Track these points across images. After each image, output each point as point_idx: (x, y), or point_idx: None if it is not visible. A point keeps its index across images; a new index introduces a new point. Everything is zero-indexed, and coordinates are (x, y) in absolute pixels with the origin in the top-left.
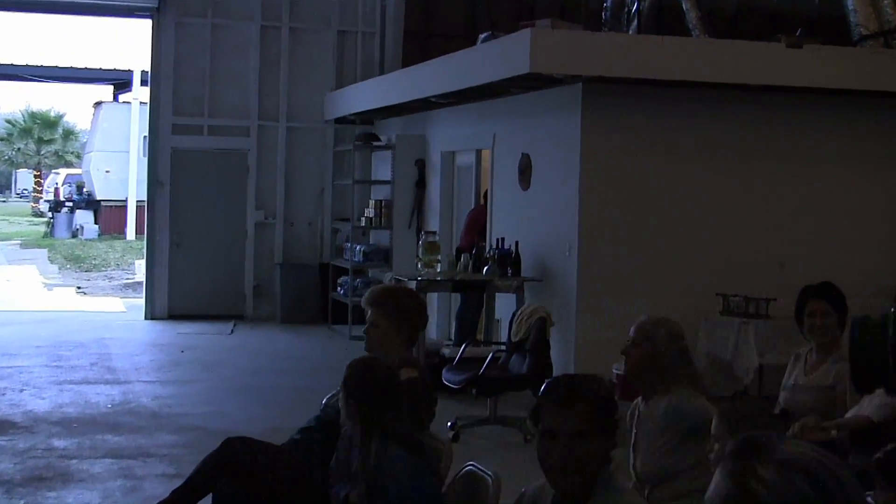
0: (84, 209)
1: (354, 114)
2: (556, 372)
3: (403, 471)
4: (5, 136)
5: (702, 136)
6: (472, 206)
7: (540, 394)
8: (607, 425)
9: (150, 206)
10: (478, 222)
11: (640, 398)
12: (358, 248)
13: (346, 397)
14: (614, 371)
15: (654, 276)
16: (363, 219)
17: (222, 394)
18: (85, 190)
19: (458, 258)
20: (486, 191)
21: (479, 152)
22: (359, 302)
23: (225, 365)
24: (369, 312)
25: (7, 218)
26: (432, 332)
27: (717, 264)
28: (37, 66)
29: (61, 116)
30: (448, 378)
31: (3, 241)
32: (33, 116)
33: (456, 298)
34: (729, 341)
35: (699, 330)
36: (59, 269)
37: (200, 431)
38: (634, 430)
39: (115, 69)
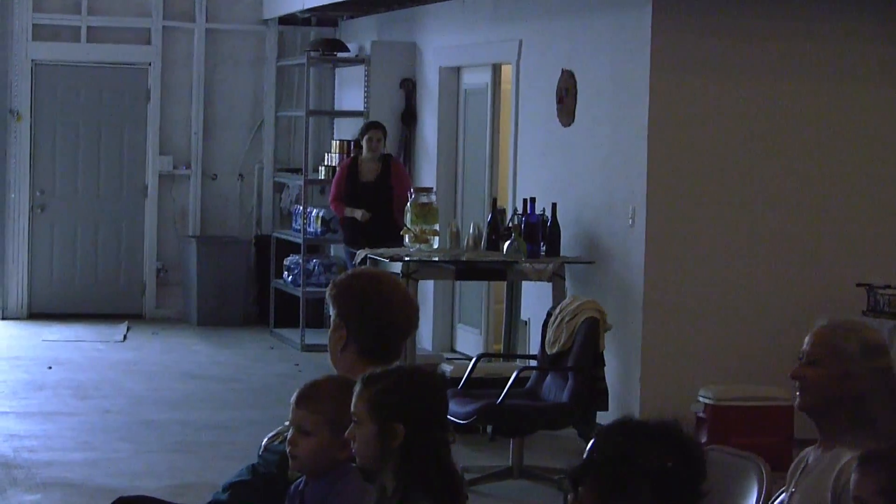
0: None
1: (308, 10)
2: (614, 400)
3: None
4: None
5: (842, 45)
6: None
7: (586, 453)
8: None
9: (1, 150)
10: (343, 184)
11: (812, 447)
12: (314, 213)
13: (385, 420)
14: (700, 399)
15: (762, 257)
16: (322, 169)
17: (107, 433)
18: None
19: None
20: (366, 132)
21: (496, 68)
22: (315, 294)
23: (112, 389)
24: (335, 313)
25: None
26: (425, 339)
27: (860, 239)
28: None
29: None
30: (451, 409)
31: None
32: None
33: (466, 287)
34: None
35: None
36: None
37: (74, 489)
38: (793, 489)
39: None
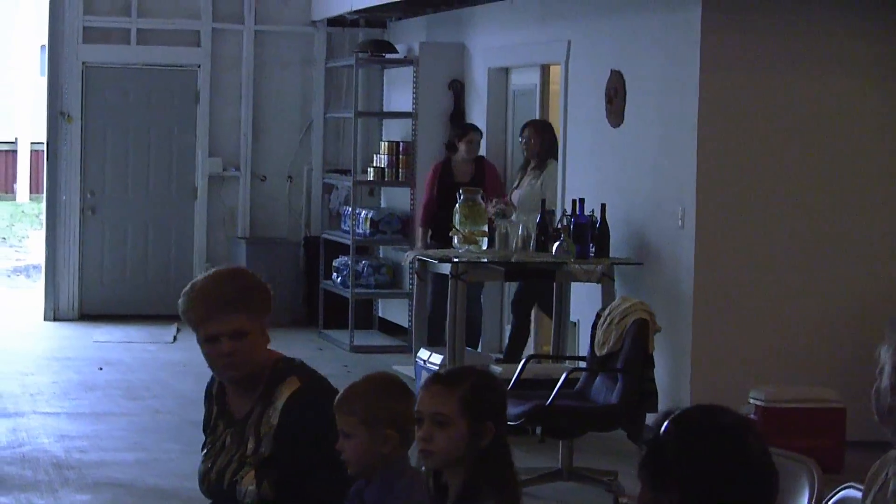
0: None
1: (357, 11)
2: (664, 401)
3: None
4: None
5: (894, 42)
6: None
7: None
8: None
9: (52, 152)
10: (435, 185)
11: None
12: (363, 214)
13: (478, 418)
14: (751, 401)
15: (814, 257)
16: (371, 170)
17: (158, 433)
18: None
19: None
20: (466, 134)
21: (545, 69)
22: (364, 295)
23: (162, 390)
24: (221, 322)
25: None
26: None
27: None
28: None
29: None
30: None
31: None
32: None
33: (514, 288)
34: None
35: (882, 338)
36: None
37: (125, 490)
38: (872, 499)
39: None
